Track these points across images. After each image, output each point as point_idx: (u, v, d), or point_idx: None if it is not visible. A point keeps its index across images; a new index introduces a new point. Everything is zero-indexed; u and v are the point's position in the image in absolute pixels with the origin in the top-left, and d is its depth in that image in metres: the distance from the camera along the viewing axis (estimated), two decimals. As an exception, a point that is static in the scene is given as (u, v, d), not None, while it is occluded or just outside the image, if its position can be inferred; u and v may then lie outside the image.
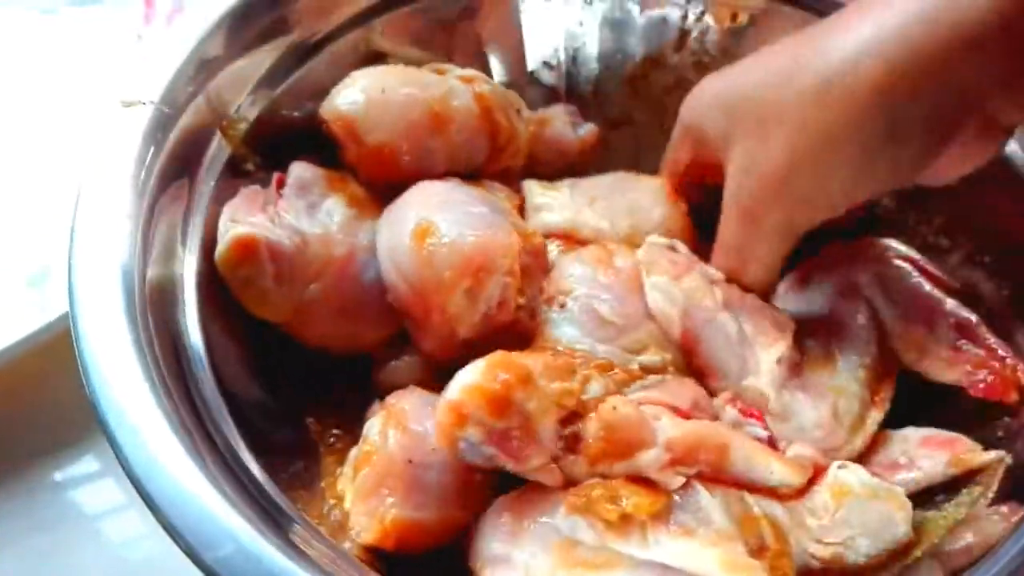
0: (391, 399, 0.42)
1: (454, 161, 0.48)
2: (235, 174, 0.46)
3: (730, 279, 0.45)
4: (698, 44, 0.56)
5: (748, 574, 0.35)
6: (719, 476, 0.39)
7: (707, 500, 0.37)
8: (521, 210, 0.50)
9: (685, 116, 0.48)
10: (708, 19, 0.55)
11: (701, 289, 0.44)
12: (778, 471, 0.39)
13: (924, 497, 0.42)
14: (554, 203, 0.50)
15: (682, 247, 0.47)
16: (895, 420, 0.45)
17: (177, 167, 0.43)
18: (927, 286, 0.47)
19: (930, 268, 0.48)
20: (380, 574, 0.36)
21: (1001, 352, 0.44)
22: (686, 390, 0.42)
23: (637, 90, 0.58)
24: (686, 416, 0.40)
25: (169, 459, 0.33)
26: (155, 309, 0.39)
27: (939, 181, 0.42)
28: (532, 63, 0.57)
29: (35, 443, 0.58)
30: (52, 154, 0.66)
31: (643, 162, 0.52)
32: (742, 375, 0.43)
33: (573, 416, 0.38)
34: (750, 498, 0.39)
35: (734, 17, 0.55)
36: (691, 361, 0.44)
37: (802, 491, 0.40)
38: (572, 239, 0.48)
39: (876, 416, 0.44)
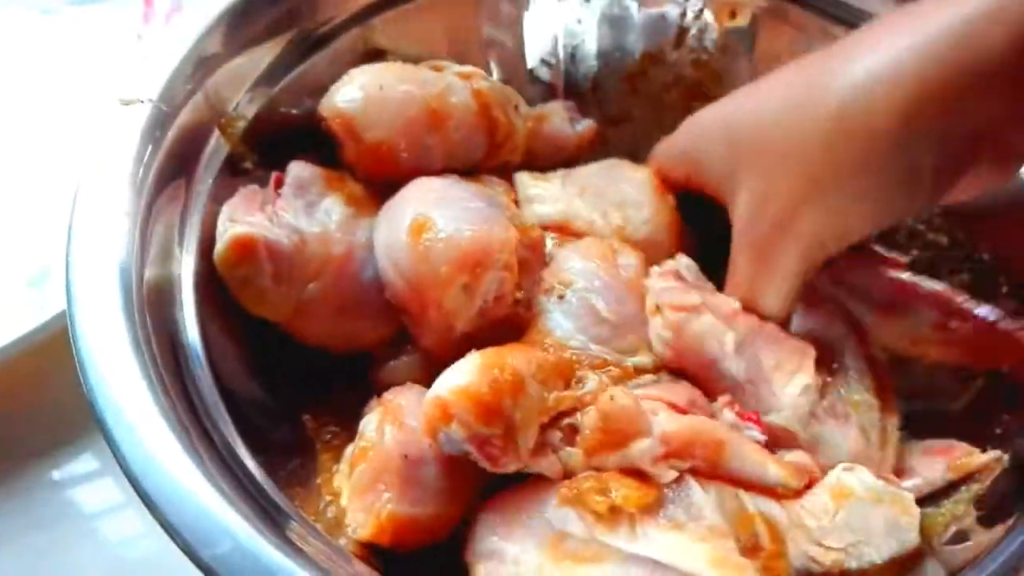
0: (388, 395, 0.42)
1: (452, 158, 0.48)
2: (233, 172, 0.46)
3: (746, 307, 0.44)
4: (696, 42, 0.56)
5: (737, 572, 0.35)
6: (714, 472, 0.38)
7: (699, 495, 0.37)
8: (518, 204, 0.50)
9: (684, 144, 0.47)
10: (707, 16, 0.55)
11: (708, 333, 0.42)
12: (773, 472, 0.39)
13: (924, 500, 0.41)
14: (545, 194, 0.49)
15: (690, 270, 0.46)
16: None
17: (175, 165, 0.43)
18: (889, 272, 0.46)
19: (880, 252, 0.47)
20: (377, 570, 0.36)
21: (990, 318, 0.44)
22: (682, 389, 0.42)
23: (636, 87, 0.58)
24: (683, 412, 0.40)
25: (166, 457, 0.33)
26: (153, 307, 0.39)
27: (950, 201, 0.41)
28: (531, 60, 0.57)
29: (34, 442, 0.58)
30: (52, 154, 0.66)
31: (641, 159, 0.52)
32: (762, 412, 0.42)
33: (571, 410, 0.38)
34: (746, 496, 0.38)
35: (733, 15, 0.55)
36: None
37: (800, 491, 0.39)
38: (566, 231, 0.48)
39: (894, 422, 0.44)
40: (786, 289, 0.42)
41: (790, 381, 0.42)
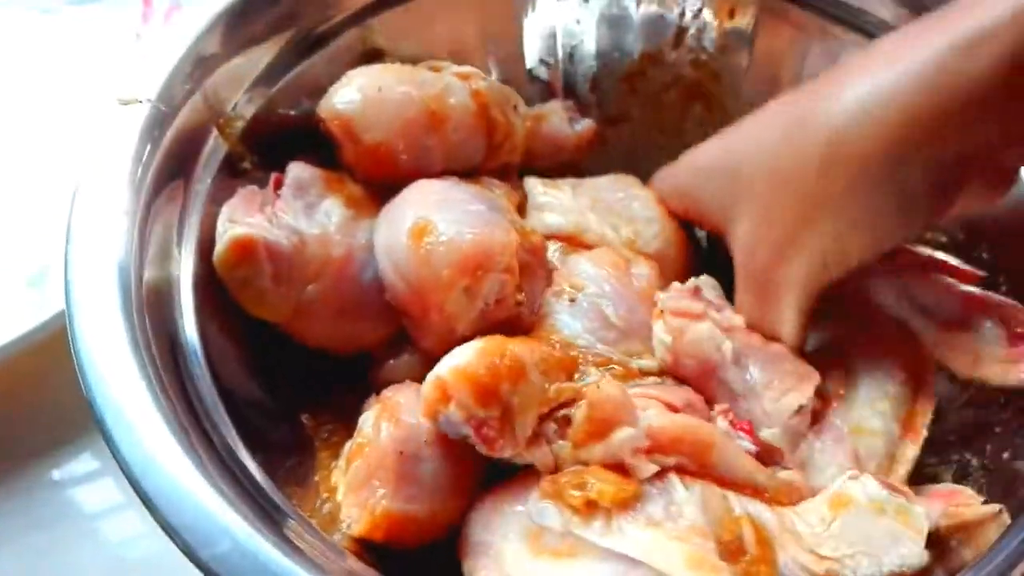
0: (387, 392, 0.42)
1: (451, 159, 0.48)
2: (232, 172, 0.46)
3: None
4: (695, 41, 0.56)
5: (713, 573, 0.34)
6: (702, 472, 0.38)
7: (682, 494, 0.37)
8: (521, 207, 0.50)
9: (684, 180, 0.48)
10: (706, 16, 0.55)
11: (706, 338, 0.42)
12: (760, 481, 0.39)
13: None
14: (556, 203, 0.50)
15: (714, 290, 0.46)
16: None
17: (174, 165, 0.43)
18: (959, 286, 0.45)
19: (952, 263, 0.46)
20: (373, 567, 0.37)
21: None
22: (682, 392, 0.42)
23: (635, 87, 0.58)
24: (676, 411, 0.40)
25: (165, 457, 0.33)
26: (152, 307, 0.39)
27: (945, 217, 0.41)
28: (530, 61, 0.57)
29: (34, 441, 0.58)
30: (51, 153, 0.66)
31: (640, 159, 0.53)
32: (755, 427, 0.42)
33: (569, 402, 0.38)
34: (734, 498, 0.38)
35: (732, 14, 0.55)
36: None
37: (787, 494, 0.39)
38: (575, 242, 0.48)
39: (910, 451, 0.42)
40: (794, 318, 0.43)
41: (782, 399, 0.42)
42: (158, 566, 0.53)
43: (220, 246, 0.41)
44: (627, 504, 0.36)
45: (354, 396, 0.45)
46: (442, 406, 0.37)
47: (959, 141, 0.36)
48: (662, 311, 0.43)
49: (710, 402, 0.43)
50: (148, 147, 0.42)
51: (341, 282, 0.44)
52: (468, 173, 0.49)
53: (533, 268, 0.44)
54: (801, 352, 0.44)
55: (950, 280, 0.45)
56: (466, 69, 0.50)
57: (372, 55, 0.52)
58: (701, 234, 0.52)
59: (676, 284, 0.45)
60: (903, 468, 0.42)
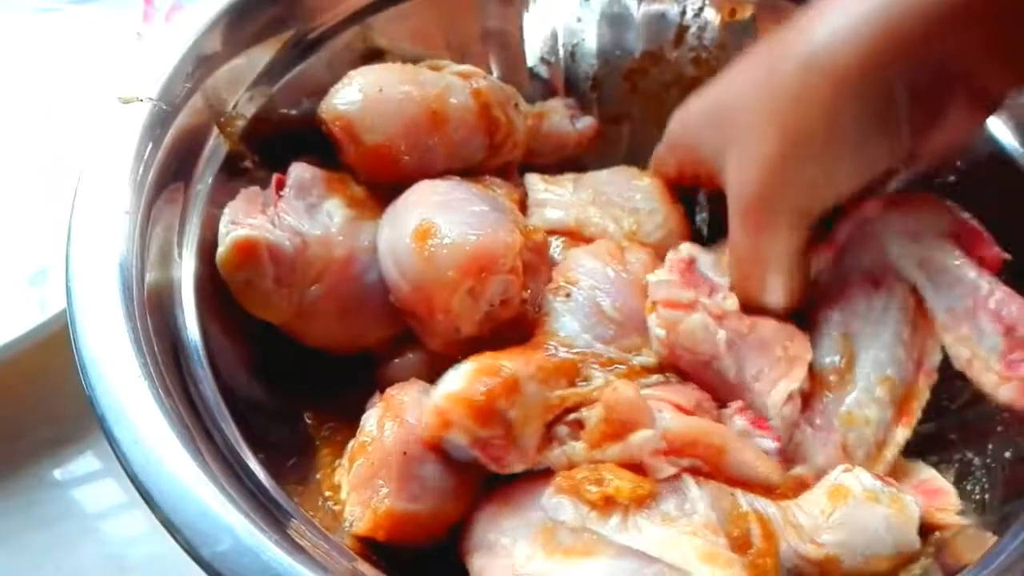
0: (391, 391, 0.42)
1: (453, 158, 0.48)
2: (233, 171, 0.46)
3: (747, 304, 0.43)
4: (696, 40, 0.56)
5: (726, 567, 0.35)
6: (714, 472, 0.39)
7: (694, 492, 0.37)
8: (523, 204, 0.50)
9: (674, 134, 0.48)
10: (707, 15, 0.55)
11: (699, 330, 0.42)
12: (774, 482, 0.40)
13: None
14: (557, 199, 0.50)
15: (702, 255, 0.46)
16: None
17: (175, 164, 0.43)
18: (972, 272, 0.42)
19: (984, 237, 0.43)
20: (376, 566, 0.37)
21: None
22: (689, 391, 0.42)
23: (636, 86, 0.58)
24: (688, 414, 0.40)
25: (166, 455, 0.33)
26: (153, 305, 0.39)
27: (932, 151, 0.41)
28: (531, 59, 0.57)
29: (35, 441, 0.58)
30: (53, 152, 0.66)
31: (641, 157, 0.52)
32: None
33: (577, 406, 0.39)
34: (740, 495, 0.39)
35: (732, 12, 0.55)
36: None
37: (792, 490, 0.40)
38: (576, 236, 0.48)
39: (901, 435, 0.42)
40: (786, 258, 0.42)
41: (774, 391, 0.42)
42: (160, 566, 0.53)
43: (222, 248, 0.41)
44: (643, 501, 0.36)
45: (356, 394, 0.45)
46: (444, 431, 0.37)
47: (936, 56, 0.36)
48: (654, 303, 0.43)
49: (711, 394, 0.43)
50: (149, 146, 0.42)
51: (343, 283, 0.44)
52: (469, 171, 0.49)
53: (537, 266, 0.44)
54: (799, 303, 0.44)
55: (971, 263, 0.43)
56: (467, 68, 0.50)
57: (373, 54, 0.52)
58: (702, 222, 0.52)
59: (669, 257, 0.45)
60: (891, 452, 0.42)
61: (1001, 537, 0.37)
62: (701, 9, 0.55)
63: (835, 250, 0.45)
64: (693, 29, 0.56)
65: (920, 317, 0.44)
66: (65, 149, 0.65)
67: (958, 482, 0.43)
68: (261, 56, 0.48)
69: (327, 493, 0.41)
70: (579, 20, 0.57)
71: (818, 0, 0.39)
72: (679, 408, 0.40)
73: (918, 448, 0.45)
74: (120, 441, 0.34)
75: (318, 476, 0.43)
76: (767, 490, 0.39)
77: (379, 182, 0.47)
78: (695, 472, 0.38)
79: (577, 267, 0.45)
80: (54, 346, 0.54)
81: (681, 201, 0.51)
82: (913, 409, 0.43)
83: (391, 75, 0.47)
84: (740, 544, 0.37)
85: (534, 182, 0.51)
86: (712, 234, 0.52)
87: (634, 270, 0.45)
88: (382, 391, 0.43)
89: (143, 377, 0.35)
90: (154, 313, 0.39)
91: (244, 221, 0.42)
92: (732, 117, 0.42)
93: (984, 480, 0.42)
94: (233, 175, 0.46)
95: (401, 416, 0.40)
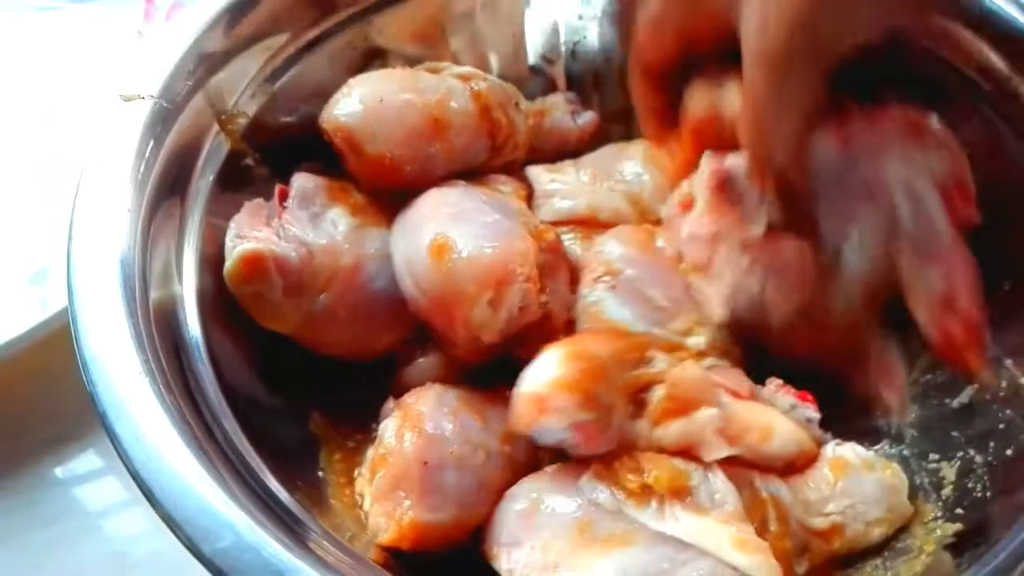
0: (408, 398, 0.42)
1: (455, 162, 0.48)
2: (234, 169, 0.46)
3: (757, 165, 0.43)
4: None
5: (758, 552, 0.36)
6: (752, 457, 0.40)
7: (723, 484, 0.39)
8: (529, 198, 0.50)
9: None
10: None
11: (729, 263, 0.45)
12: (808, 449, 0.42)
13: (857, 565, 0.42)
14: (565, 188, 0.50)
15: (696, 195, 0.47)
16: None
17: (176, 161, 0.43)
18: (942, 222, 0.44)
19: (969, 196, 0.44)
20: (392, 571, 0.37)
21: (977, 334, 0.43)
22: (740, 376, 0.44)
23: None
24: (741, 398, 0.42)
25: (168, 452, 0.34)
26: (154, 302, 0.39)
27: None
28: (532, 57, 0.57)
29: (37, 439, 0.58)
30: (54, 151, 0.66)
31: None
32: None
33: (645, 387, 0.40)
34: (759, 481, 0.40)
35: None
36: None
37: (803, 466, 0.42)
38: (592, 223, 0.49)
39: None
40: (800, 106, 0.42)
41: None
42: (161, 563, 0.53)
43: (230, 262, 0.42)
44: (679, 492, 0.38)
45: (363, 393, 0.45)
46: (539, 418, 0.38)
47: None
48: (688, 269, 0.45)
49: None
50: (150, 144, 0.42)
51: (351, 291, 0.44)
52: (473, 172, 0.49)
53: (553, 264, 0.45)
54: (805, 182, 0.44)
55: (941, 213, 0.44)
56: (466, 70, 0.50)
57: (373, 53, 0.52)
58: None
59: (705, 168, 0.46)
60: None
61: (1001, 536, 0.37)
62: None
63: (841, 142, 0.45)
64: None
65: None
66: (65, 148, 0.65)
67: (960, 480, 0.43)
68: (262, 54, 0.48)
69: (330, 491, 0.41)
70: (580, 17, 0.57)
71: None
72: (734, 393, 0.42)
73: (920, 446, 0.45)
74: (121, 438, 0.34)
75: (320, 474, 0.43)
76: (788, 466, 0.41)
77: (382, 190, 0.47)
78: (739, 461, 0.40)
79: (614, 256, 0.46)
80: (55, 345, 0.54)
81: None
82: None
83: (391, 83, 0.47)
84: (760, 530, 0.39)
85: (538, 174, 0.51)
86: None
87: (668, 254, 0.47)
88: (397, 396, 0.43)
89: (144, 374, 0.35)
90: (155, 310, 0.39)
91: (250, 234, 0.43)
92: None
93: (985, 478, 0.42)
94: (235, 173, 0.46)
95: (420, 426, 0.40)
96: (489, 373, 0.44)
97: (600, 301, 0.44)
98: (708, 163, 0.46)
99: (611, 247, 0.46)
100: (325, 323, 0.44)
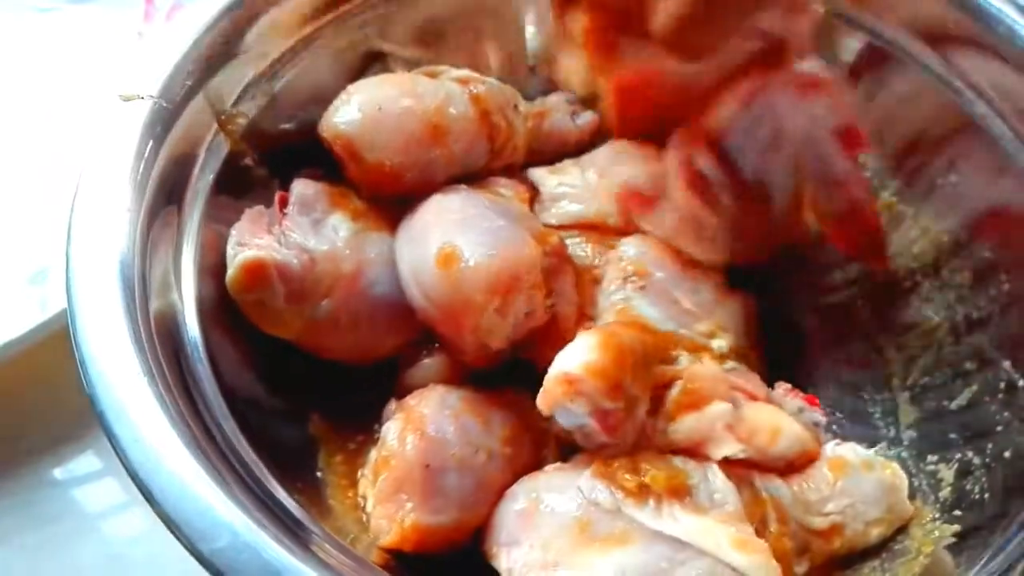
0: (411, 400, 0.43)
1: (454, 166, 0.48)
2: (234, 169, 0.46)
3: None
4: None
5: (757, 552, 0.36)
6: (751, 459, 0.41)
7: (723, 484, 0.39)
8: (532, 199, 0.50)
9: None
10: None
11: None
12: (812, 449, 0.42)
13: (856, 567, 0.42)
14: (572, 191, 0.50)
15: None
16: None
17: (176, 162, 0.43)
18: (838, 157, 0.48)
19: (862, 142, 0.48)
20: (384, 567, 0.37)
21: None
22: (757, 382, 0.44)
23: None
24: (755, 400, 0.43)
25: (167, 452, 0.34)
26: (153, 303, 0.39)
27: None
28: (532, 57, 0.57)
29: (36, 440, 0.58)
30: (53, 151, 0.66)
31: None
32: None
33: (668, 383, 0.41)
34: (759, 481, 0.40)
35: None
36: None
37: (803, 466, 0.42)
38: (601, 229, 0.49)
39: None
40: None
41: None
42: (159, 565, 0.53)
43: (232, 270, 0.42)
44: (678, 491, 0.38)
45: (363, 394, 0.45)
46: (567, 400, 0.38)
47: None
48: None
49: None
50: (150, 144, 0.42)
51: (353, 297, 0.44)
52: (473, 176, 0.49)
53: (557, 268, 0.45)
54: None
55: (838, 151, 0.48)
56: (464, 73, 0.50)
57: (373, 55, 0.52)
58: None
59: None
60: None
61: (999, 538, 0.37)
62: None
63: (741, 103, 0.47)
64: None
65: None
66: (65, 148, 0.65)
67: (958, 481, 0.43)
68: (262, 55, 0.48)
69: (328, 491, 0.41)
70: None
71: None
72: (750, 395, 0.43)
73: (918, 448, 0.46)
74: (120, 438, 0.34)
75: (319, 474, 0.43)
76: (788, 466, 0.42)
77: (383, 196, 0.47)
78: (741, 461, 0.40)
79: (645, 259, 0.47)
80: (54, 345, 0.54)
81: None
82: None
83: (389, 89, 0.47)
84: (759, 530, 0.39)
85: (542, 176, 0.51)
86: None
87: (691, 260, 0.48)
88: (399, 397, 0.44)
89: (143, 374, 0.35)
90: (154, 311, 0.39)
91: (251, 242, 0.43)
92: None
93: (983, 479, 0.42)
94: (234, 174, 0.46)
95: (422, 429, 0.40)
96: (492, 374, 0.44)
97: (629, 299, 0.45)
98: (675, 158, 0.48)
99: (639, 250, 0.47)
100: (327, 329, 0.44)
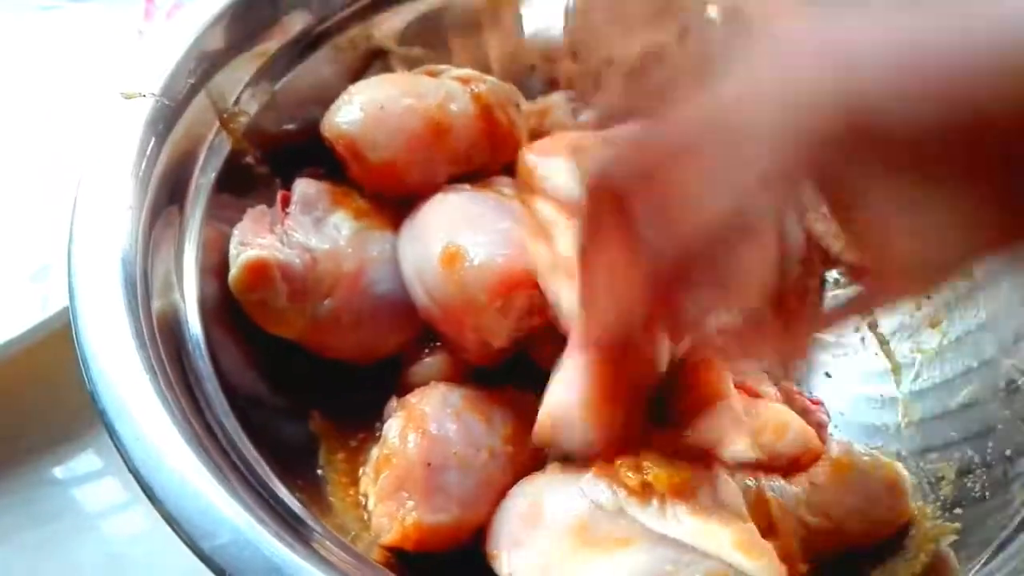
0: (412, 398, 0.42)
1: (456, 165, 0.48)
2: (236, 167, 0.46)
3: None
4: (699, 38, 0.56)
5: (761, 555, 0.36)
6: (757, 460, 0.40)
7: (726, 485, 0.38)
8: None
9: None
10: (710, 13, 0.55)
11: None
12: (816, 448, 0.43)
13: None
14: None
15: None
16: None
17: (177, 159, 0.43)
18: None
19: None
20: (393, 569, 0.37)
21: None
22: (764, 381, 0.45)
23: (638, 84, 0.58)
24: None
25: (168, 449, 0.34)
26: (155, 300, 0.39)
27: None
28: (532, 57, 0.57)
29: (36, 438, 0.58)
30: (55, 149, 0.66)
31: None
32: None
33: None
34: (763, 481, 0.40)
35: (736, 10, 0.55)
36: None
37: (806, 465, 0.42)
38: None
39: None
40: None
41: None
42: (159, 564, 0.53)
43: (234, 270, 0.42)
44: (680, 491, 0.37)
45: (364, 392, 0.45)
46: (555, 438, 0.39)
47: None
48: None
49: None
50: (152, 142, 0.42)
51: (355, 296, 0.44)
52: (474, 174, 0.49)
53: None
54: None
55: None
56: (465, 72, 0.50)
57: (374, 53, 0.52)
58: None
59: None
60: None
61: (999, 537, 0.38)
62: (704, 7, 0.55)
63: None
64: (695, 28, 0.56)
65: None
66: (67, 146, 0.65)
67: (958, 479, 0.43)
68: (263, 53, 0.48)
69: (329, 488, 0.41)
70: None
71: None
72: (754, 394, 0.43)
73: (919, 446, 0.46)
74: (121, 436, 0.34)
75: (320, 472, 0.43)
76: (791, 464, 0.42)
77: (385, 194, 0.47)
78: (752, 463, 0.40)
79: None
80: (56, 343, 0.54)
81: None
82: None
83: (391, 88, 0.47)
84: (763, 530, 0.38)
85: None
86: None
87: None
88: (401, 395, 0.44)
89: (145, 372, 0.35)
90: (156, 308, 0.39)
91: (254, 242, 0.43)
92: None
93: (984, 478, 0.42)
94: (236, 172, 0.46)
95: (424, 427, 0.40)
96: (494, 372, 0.44)
97: None
98: None
99: None
100: (329, 328, 0.44)
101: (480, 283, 0.41)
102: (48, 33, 0.73)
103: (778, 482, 0.41)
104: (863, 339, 0.51)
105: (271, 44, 0.48)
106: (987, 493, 0.41)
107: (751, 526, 0.37)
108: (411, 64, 0.52)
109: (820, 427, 0.44)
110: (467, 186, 0.47)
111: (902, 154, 0.27)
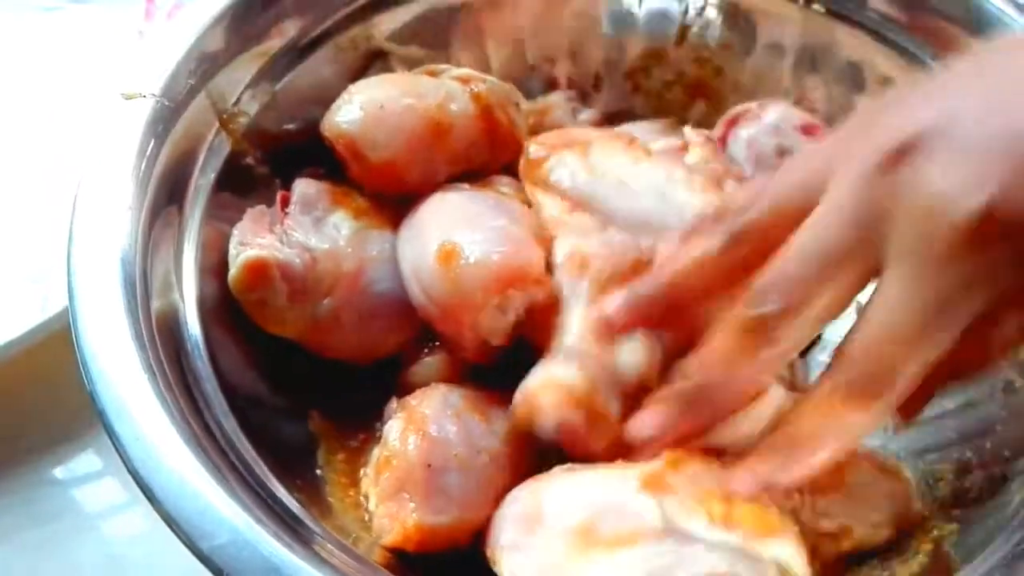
0: (412, 400, 0.42)
1: (456, 165, 0.48)
2: (235, 168, 0.46)
3: None
4: (698, 39, 0.56)
5: (786, 536, 0.35)
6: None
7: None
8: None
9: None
10: (709, 14, 0.55)
11: None
12: None
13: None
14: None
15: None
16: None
17: (177, 160, 0.43)
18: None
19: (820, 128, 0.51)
20: (395, 571, 0.37)
21: None
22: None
23: (638, 84, 0.58)
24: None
25: (167, 450, 0.34)
26: (155, 301, 0.39)
27: None
28: (532, 58, 0.58)
29: (36, 439, 0.58)
30: (55, 150, 0.66)
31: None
32: None
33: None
34: None
35: (735, 12, 0.55)
36: None
37: None
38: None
39: None
40: None
41: None
42: (159, 564, 0.53)
43: (234, 270, 0.42)
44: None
45: (364, 392, 0.45)
46: (531, 418, 0.39)
47: None
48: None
49: None
50: (152, 142, 0.42)
51: (355, 295, 0.44)
52: (474, 173, 0.49)
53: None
54: None
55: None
56: (465, 72, 0.50)
57: (375, 54, 0.52)
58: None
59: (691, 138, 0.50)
60: None
61: (997, 537, 0.37)
62: (703, 8, 0.55)
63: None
64: (695, 28, 0.56)
65: None
66: (67, 147, 0.65)
67: (957, 480, 0.43)
68: (263, 54, 0.48)
69: (328, 488, 0.41)
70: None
71: None
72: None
73: (917, 446, 0.46)
74: (121, 436, 0.34)
75: (319, 472, 0.43)
76: None
77: (385, 194, 0.47)
78: None
79: None
80: (55, 344, 0.54)
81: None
82: None
83: (391, 88, 0.47)
84: None
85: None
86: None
87: None
88: (401, 395, 0.44)
89: (144, 372, 0.35)
90: (155, 309, 0.39)
91: (253, 241, 0.43)
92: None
93: (982, 478, 0.42)
94: (236, 172, 0.46)
95: (424, 429, 0.40)
96: (494, 372, 0.44)
97: None
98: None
99: None
100: (329, 327, 0.44)
101: (476, 280, 0.41)
102: (49, 34, 0.73)
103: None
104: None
105: (271, 44, 0.48)
106: (985, 493, 0.41)
107: (771, 506, 0.36)
108: (411, 64, 0.52)
109: None
110: (466, 185, 0.47)
111: None
